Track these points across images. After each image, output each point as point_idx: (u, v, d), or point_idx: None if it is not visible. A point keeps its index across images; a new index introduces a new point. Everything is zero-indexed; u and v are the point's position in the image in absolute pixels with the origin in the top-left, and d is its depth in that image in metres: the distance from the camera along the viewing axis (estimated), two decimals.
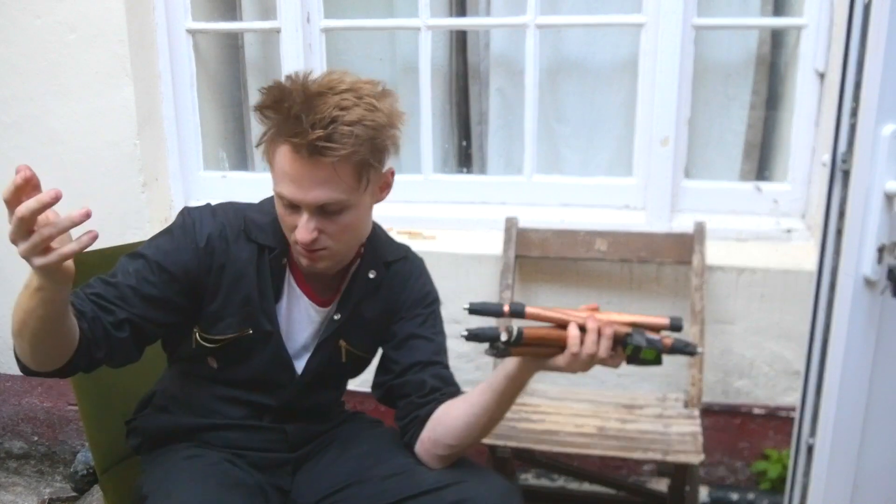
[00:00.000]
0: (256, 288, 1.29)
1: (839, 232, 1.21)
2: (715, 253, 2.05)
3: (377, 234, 1.39)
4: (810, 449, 1.30)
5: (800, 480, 1.35)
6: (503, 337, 1.13)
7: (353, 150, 1.14)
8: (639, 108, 2.14)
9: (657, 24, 2.04)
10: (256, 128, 2.70)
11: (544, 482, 2.28)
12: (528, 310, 1.15)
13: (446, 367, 1.42)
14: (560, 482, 2.27)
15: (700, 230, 2.03)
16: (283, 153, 1.15)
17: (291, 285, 1.33)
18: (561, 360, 1.14)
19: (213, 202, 1.34)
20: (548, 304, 2.13)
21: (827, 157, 1.24)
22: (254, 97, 2.49)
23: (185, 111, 2.33)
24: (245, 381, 1.35)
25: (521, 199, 2.27)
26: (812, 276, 1.29)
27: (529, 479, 2.27)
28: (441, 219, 2.27)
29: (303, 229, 1.19)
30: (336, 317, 1.35)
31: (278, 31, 2.22)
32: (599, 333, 1.12)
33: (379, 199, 1.30)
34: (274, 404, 1.37)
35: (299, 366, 1.36)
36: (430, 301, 1.43)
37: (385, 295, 1.38)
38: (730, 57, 2.22)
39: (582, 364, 1.14)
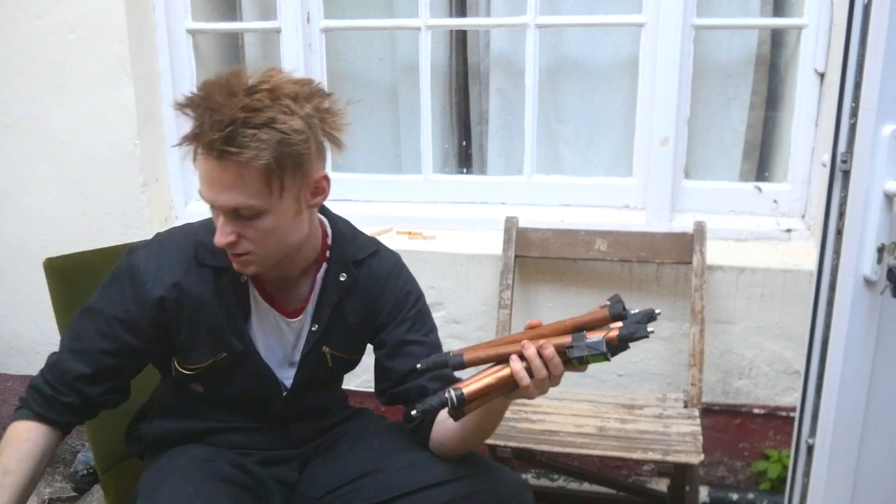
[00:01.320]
0: (221, 312, 1.27)
1: (839, 232, 1.21)
2: (715, 253, 2.05)
3: (342, 232, 1.36)
4: (810, 449, 1.30)
5: (800, 480, 1.35)
6: (448, 404, 1.10)
7: (254, 155, 1.09)
8: (639, 108, 2.14)
9: (657, 24, 2.04)
10: None
11: (544, 482, 2.28)
12: (467, 357, 1.12)
13: (444, 363, 1.40)
14: (560, 482, 2.27)
15: (700, 230, 2.03)
16: (200, 154, 1.13)
17: (257, 300, 1.30)
18: (522, 392, 1.12)
19: (162, 230, 1.33)
20: (548, 304, 2.15)
21: (827, 157, 1.24)
22: None
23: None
24: (233, 400, 1.35)
25: (521, 199, 2.27)
26: (812, 276, 1.29)
27: (529, 479, 2.27)
28: (441, 219, 2.27)
29: (219, 233, 1.17)
30: (314, 328, 1.33)
31: (278, 31, 2.22)
32: (541, 357, 1.10)
33: (312, 205, 1.24)
34: (268, 415, 1.36)
35: (286, 378, 1.35)
36: (412, 301, 1.39)
37: (363, 295, 1.36)
38: (730, 57, 2.21)
39: (543, 388, 1.13)
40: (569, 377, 2.28)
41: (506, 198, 2.28)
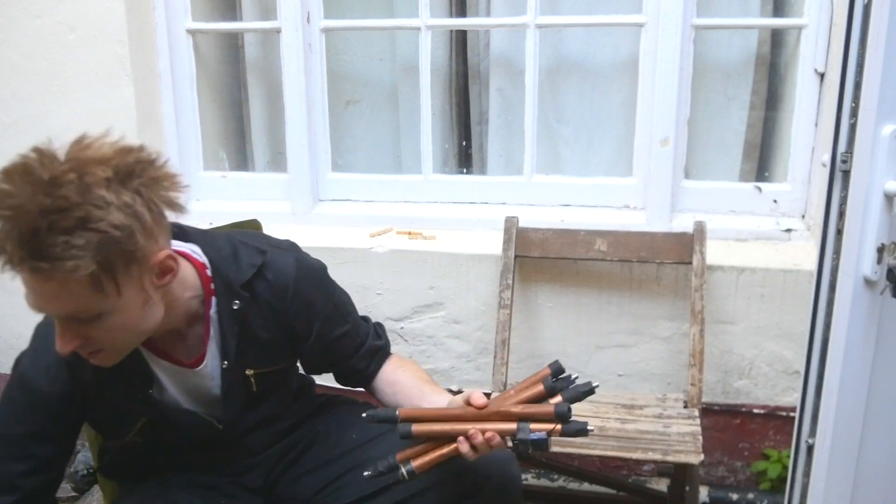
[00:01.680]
0: (121, 389, 1.21)
1: (839, 232, 1.21)
2: (715, 253, 2.05)
3: (221, 257, 1.24)
4: (810, 449, 1.30)
5: (800, 480, 1.35)
6: (398, 477, 1.18)
7: (74, 266, 0.94)
8: (639, 108, 2.14)
9: (657, 24, 2.04)
10: (257, 128, 2.71)
11: (544, 482, 2.28)
12: (415, 429, 1.18)
13: (365, 337, 1.41)
14: (560, 482, 2.27)
15: (700, 230, 2.03)
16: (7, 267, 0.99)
17: (155, 360, 1.23)
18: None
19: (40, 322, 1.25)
20: (548, 304, 2.15)
21: (827, 157, 1.24)
22: (254, 97, 2.50)
23: (185, 111, 2.33)
24: (178, 446, 1.33)
25: (521, 199, 2.27)
26: (812, 276, 1.29)
27: (529, 479, 2.27)
28: (441, 219, 2.27)
29: (59, 341, 1.05)
30: (224, 365, 1.26)
31: (278, 31, 2.22)
32: (490, 445, 1.14)
33: (162, 286, 1.10)
34: (216, 447, 1.34)
35: (218, 415, 1.30)
36: (321, 300, 1.32)
37: (269, 309, 1.27)
38: (730, 57, 2.21)
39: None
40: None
41: (506, 198, 2.28)
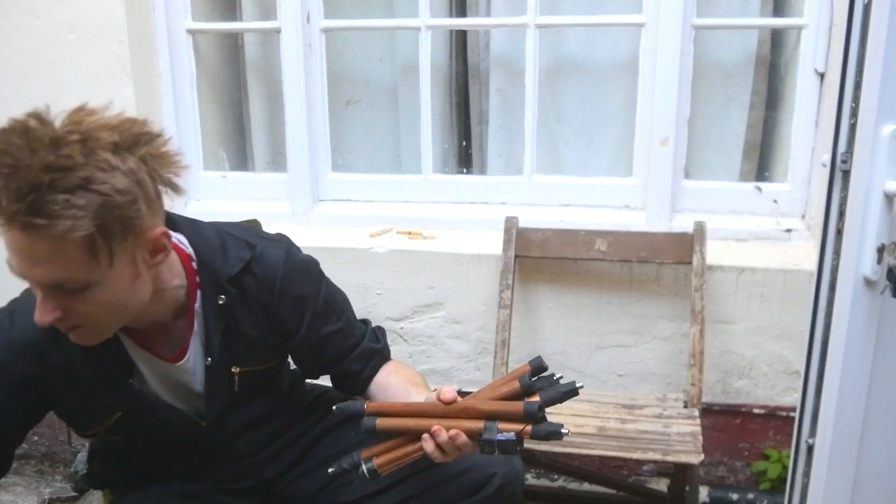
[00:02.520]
0: (97, 375, 1.14)
1: (839, 232, 1.21)
2: (715, 253, 2.05)
3: (208, 248, 1.19)
4: (810, 449, 1.30)
5: (800, 480, 1.35)
6: (360, 475, 1.10)
7: (71, 225, 0.91)
8: (639, 108, 2.14)
9: (657, 24, 2.04)
10: (257, 128, 2.71)
11: (544, 482, 2.28)
12: (379, 424, 1.11)
13: (360, 339, 1.34)
14: (560, 482, 2.27)
15: (700, 230, 2.03)
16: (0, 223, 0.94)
17: (136, 349, 1.18)
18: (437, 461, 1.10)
19: (16, 296, 1.16)
20: (548, 304, 2.15)
21: (827, 157, 1.23)
22: (254, 97, 2.50)
23: (185, 111, 2.33)
24: (159, 445, 1.29)
25: (521, 199, 2.27)
26: (812, 276, 1.29)
27: (529, 478, 2.27)
28: (441, 219, 2.27)
29: (39, 310, 0.98)
30: (208, 361, 1.21)
31: (278, 31, 2.22)
32: (454, 444, 1.06)
33: (154, 264, 1.07)
34: (198, 449, 1.31)
35: (201, 411, 1.26)
36: (311, 297, 1.26)
37: (258, 305, 1.22)
38: (730, 57, 2.21)
39: (453, 458, 1.10)
40: (568, 376, 2.27)
41: (506, 198, 2.28)
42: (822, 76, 2.03)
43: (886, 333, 1.21)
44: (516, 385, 1.09)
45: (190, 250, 1.18)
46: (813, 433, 1.28)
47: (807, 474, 1.31)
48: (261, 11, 2.39)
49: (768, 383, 2.10)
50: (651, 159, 2.13)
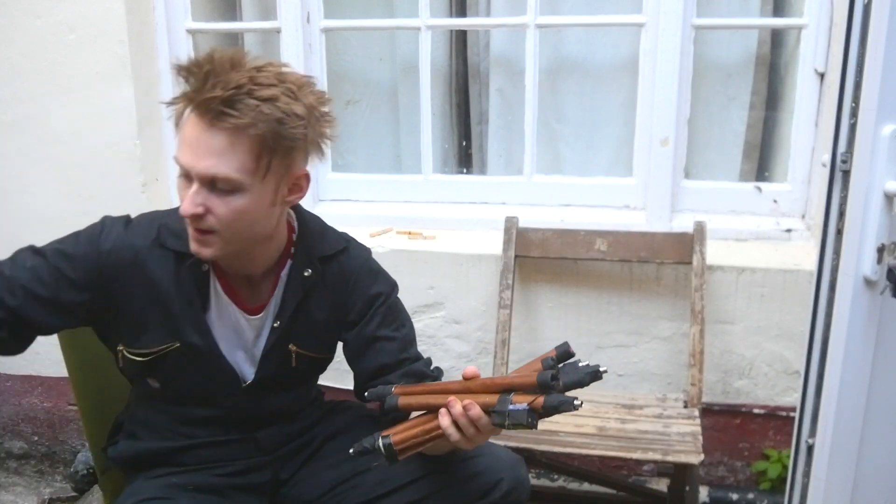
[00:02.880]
0: (177, 299, 1.23)
1: (839, 232, 1.21)
2: (715, 253, 2.05)
3: (310, 228, 1.32)
4: (810, 449, 1.30)
5: (800, 480, 1.35)
6: (376, 448, 1.10)
7: (252, 122, 1.07)
8: (639, 108, 2.14)
9: (657, 24, 2.04)
10: None
11: (544, 482, 2.28)
12: (401, 401, 1.12)
13: (416, 359, 1.36)
14: (560, 482, 2.27)
15: (700, 230, 2.03)
16: (189, 116, 1.10)
17: (218, 293, 1.26)
18: (454, 444, 1.10)
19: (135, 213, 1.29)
20: (548, 304, 2.15)
21: (827, 157, 1.24)
22: None
23: None
24: (191, 398, 1.31)
25: (521, 199, 2.27)
26: (812, 276, 1.29)
27: (529, 478, 2.27)
28: (441, 219, 2.27)
29: (187, 201, 1.11)
30: (276, 324, 1.28)
31: (278, 31, 2.22)
32: (468, 416, 1.07)
33: (288, 202, 1.21)
34: (229, 416, 1.33)
35: (247, 374, 1.31)
36: (383, 298, 1.35)
37: (331, 292, 1.32)
38: (730, 57, 2.22)
39: (474, 442, 1.11)
40: None
41: (506, 198, 2.28)
42: (822, 76, 2.03)
43: (886, 333, 1.21)
44: (539, 367, 1.09)
45: (295, 224, 1.31)
46: (813, 433, 1.29)
47: (807, 474, 1.31)
48: (261, 11, 2.39)
49: (768, 383, 2.10)
50: (651, 159, 2.13)
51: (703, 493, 2.16)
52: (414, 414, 1.16)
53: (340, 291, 1.32)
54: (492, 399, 1.07)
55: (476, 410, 1.07)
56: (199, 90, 1.08)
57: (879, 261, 1.15)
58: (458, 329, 2.21)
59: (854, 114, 1.15)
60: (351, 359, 1.36)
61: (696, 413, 1.88)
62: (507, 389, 1.07)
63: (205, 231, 1.14)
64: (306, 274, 1.29)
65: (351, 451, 1.14)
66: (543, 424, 1.84)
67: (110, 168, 2.26)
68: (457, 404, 1.07)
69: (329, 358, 1.40)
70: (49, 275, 1.19)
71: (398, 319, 1.36)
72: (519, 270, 2.14)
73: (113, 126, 2.23)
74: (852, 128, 1.16)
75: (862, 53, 1.13)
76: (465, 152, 2.49)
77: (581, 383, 1.06)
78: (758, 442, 2.16)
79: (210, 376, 1.29)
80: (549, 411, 1.04)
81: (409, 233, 2.24)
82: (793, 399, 2.07)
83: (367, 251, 1.39)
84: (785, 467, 2.06)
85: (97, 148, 2.25)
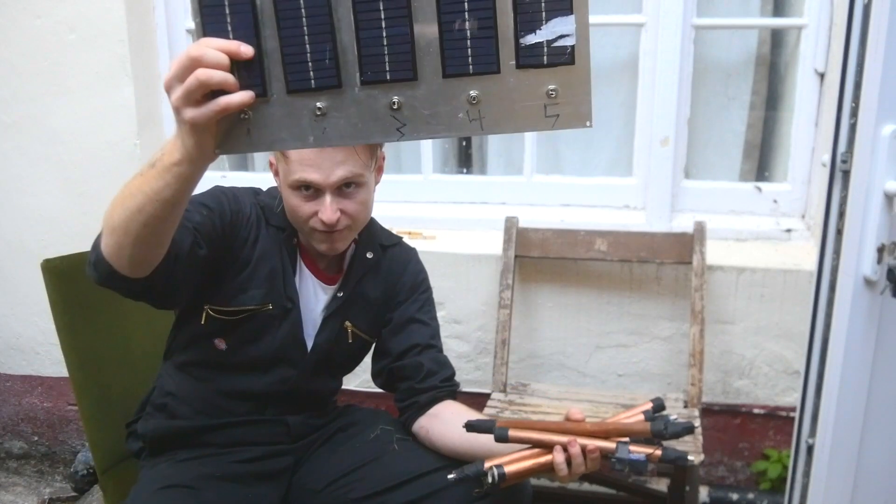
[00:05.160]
0: (280, 264, 1.32)
1: (839, 232, 1.21)
2: (715, 253, 2.05)
3: (372, 221, 1.43)
4: (810, 449, 1.30)
5: (800, 480, 1.35)
6: (488, 479, 1.11)
7: None
8: (639, 108, 2.14)
9: (657, 24, 2.04)
10: None
11: (544, 482, 2.28)
12: (511, 434, 1.13)
13: (441, 350, 1.46)
14: (560, 482, 2.27)
15: (700, 230, 2.03)
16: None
17: (301, 264, 1.37)
18: (555, 477, 1.13)
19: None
20: (548, 304, 2.15)
21: (827, 157, 1.24)
22: None
23: None
24: (252, 363, 1.35)
25: (521, 199, 2.27)
26: (812, 276, 1.29)
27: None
28: (441, 219, 2.27)
29: (328, 210, 1.22)
30: (339, 294, 1.38)
31: None
32: (585, 455, 1.11)
33: (377, 181, 1.33)
34: (278, 389, 1.37)
35: (310, 343, 1.38)
36: (425, 287, 1.48)
37: (385, 276, 1.43)
38: (730, 57, 2.21)
39: (574, 477, 1.14)
40: (567, 376, 2.27)
41: (506, 198, 2.28)
42: (822, 76, 2.03)
43: (886, 333, 1.21)
44: (641, 417, 1.14)
45: None
46: (813, 433, 1.29)
47: (807, 474, 1.31)
48: None
49: (768, 383, 2.10)
50: (651, 159, 2.13)
51: (703, 493, 2.16)
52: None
53: (392, 276, 1.44)
54: (607, 444, 1.11)
55: (597, 453, 1.11)
56: None
57: (879, 261, 1.15)
58: (458, 329, 2.21)
59: (854, 114, 1.15)
60: (386, 337, 1.43)
61: (696, 413, 1.88)
62: (619, 433, 1.12)
63: (343, 228, 1.26)
64: (369, 256, 1.40)
65: (450, 476, 1.15)
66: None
67: (110, 168, 2.26)
68: (576, 445, 1.11)
69: (371, 342, 1.46)
70: (203, 216, 1.23)
71: (432, 311, 1.48)
72: (519, 270, 2.14)
73: (113, 126, 2.23)
74: (852, 128, 1.16)
75: (862, 53, 1.13)
76: (465, 152, 2.48)
77: (679, 436, 1.11)
78: (758, 442, 2.16)
79: (283, 343, 1.35)
80: (664, 461, 1.09)
81: (409, 233, 2.24)
82: (793, 399, 2.07)
83: (415, 250, 1.52)
84: (785, 467, 2.06)
85: (97, 148, 2.25)
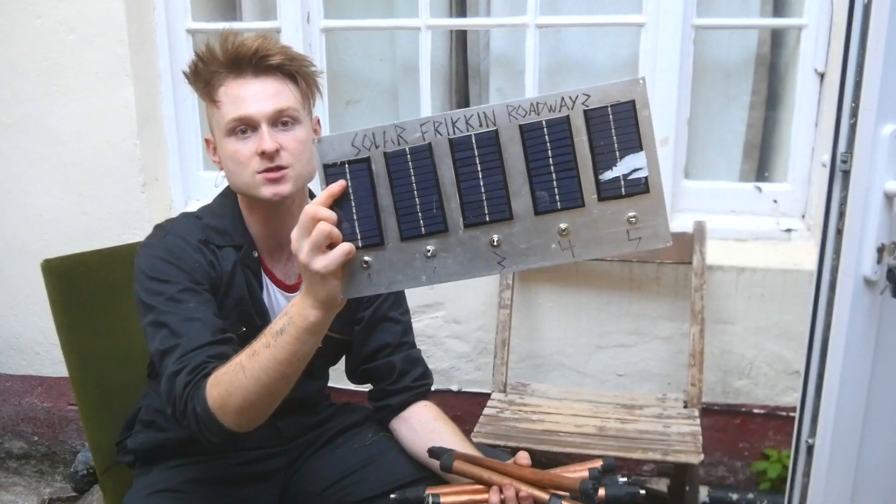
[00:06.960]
0: (244, 286, 1.30)
1: (839, 232, 1.21)
2: (715, 253, 2.05)
3: None
4: (810, 449, 1.30)
5: (800, 480, 1.35)
6: None
7: (285, 61, 1.23)
8: None
9: (657, 24, 2.04)
10: None
11: None
12: (456, 465, 1.17)
13: (413, 346, 1.45)
14: None
15: (700, 230, 2.03)
16: (230, 84, 1.23)
17: (266, 279, 1.35)
18: None
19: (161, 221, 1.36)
20: (548, 304, 2.15)
21: (827, 157, 1.24)
22: None
23: (185, 111, 2.33)
24: None
25: None
26: (812, 276, 1.29)
27: None
28: None
29: (266, 138, 1.21)
30: None
31: (278, 31, 2.22)
32: (518, 501, 1.12)
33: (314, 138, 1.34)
34: None
35: None
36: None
37: None
38: (730, 57, 2.21)
39: None
40: (567, 376, 2.27)
41: None
42: (822, 76, 2.03)
43: (886, 333, 1.21)
44: (585, 474, 1.15)
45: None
46: (813, 433, 1.28)
47: (807, 474, 1.31)
48: (261, 11, 2.39)
49: (768, 383, 2.10)
50: None
51: (703, 493, 2.16)
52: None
53: None
54: (541, 495, 1.12)
55: (529, 501, 1.11)
56: (230, 56, 1.21)
57: (879, 261, 1.15)
58: (458, 329, 2.21)
59: (854, 114, 1.15)
60: (359, 336, 1.41)
61: (696, 413, 1.88)
62: (554, 486, 1.13)
63: (280, 168, 1.24)
64: None
65: (392, 496, 1.18)
66: (543, 424, 1.85)
67: (110, 168, 2.26)
68: (511, 490, 1.12)
69: (347, 341, 1.44)
70: (195, 293, 1.24)
71: (403, 305, 1.46)
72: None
73: (113, 126, 2.23)
74: (852, 128, 1.16)
75: (862, 53, 1.13)
76: None
77: (620, 501, 1.12)
78: (758, 442, 2.16)
79: None
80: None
81: None
82: (793, 399, 2.07)
83: None
84: (785, 467, 2.06)
85: (97, 148, 2.25)
